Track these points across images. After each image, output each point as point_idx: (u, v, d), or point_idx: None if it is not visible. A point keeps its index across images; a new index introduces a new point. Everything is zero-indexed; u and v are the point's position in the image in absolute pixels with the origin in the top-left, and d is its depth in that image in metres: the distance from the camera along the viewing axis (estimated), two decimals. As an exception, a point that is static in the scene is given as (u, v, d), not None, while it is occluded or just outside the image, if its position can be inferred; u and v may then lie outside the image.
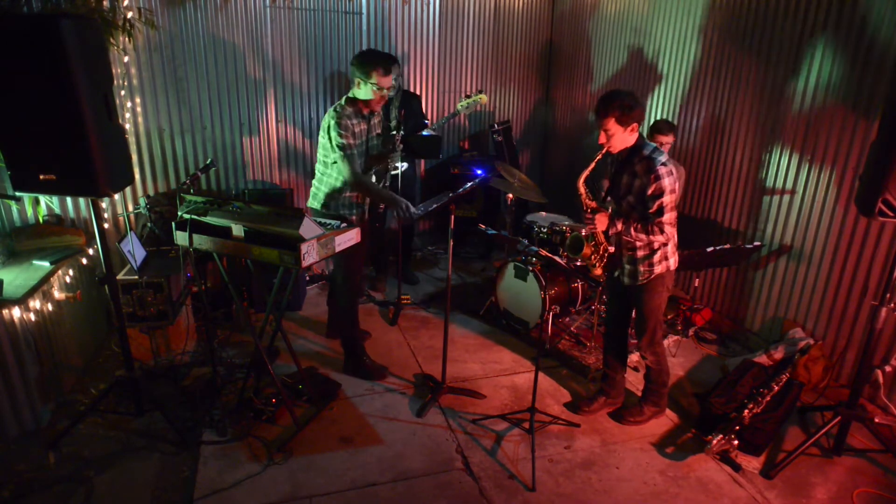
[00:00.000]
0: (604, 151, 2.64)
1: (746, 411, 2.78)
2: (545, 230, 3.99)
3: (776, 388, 3.00)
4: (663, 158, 2.55)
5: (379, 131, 3.26)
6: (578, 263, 3.04)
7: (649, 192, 2.54)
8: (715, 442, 2.69)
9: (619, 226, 2.61)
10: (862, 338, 3.04)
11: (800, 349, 3.33)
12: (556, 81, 5.85)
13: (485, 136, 5.74)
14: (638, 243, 2.68)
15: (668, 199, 2.53)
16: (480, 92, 4.50)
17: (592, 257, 2.85)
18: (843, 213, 3.16)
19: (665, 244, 2.68)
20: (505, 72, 5.70)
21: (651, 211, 2.56)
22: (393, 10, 4.96)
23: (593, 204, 2.66)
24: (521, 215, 4.62)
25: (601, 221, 2.62)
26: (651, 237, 2.59)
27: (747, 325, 3.85)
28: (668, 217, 2.56)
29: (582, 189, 2.67)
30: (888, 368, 2.98)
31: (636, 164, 2.58)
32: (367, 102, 3.01)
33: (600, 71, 5.13)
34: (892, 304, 2.57)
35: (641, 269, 2.72)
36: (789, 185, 3.46)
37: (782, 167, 3.49)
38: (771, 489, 2.57)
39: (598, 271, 2.90)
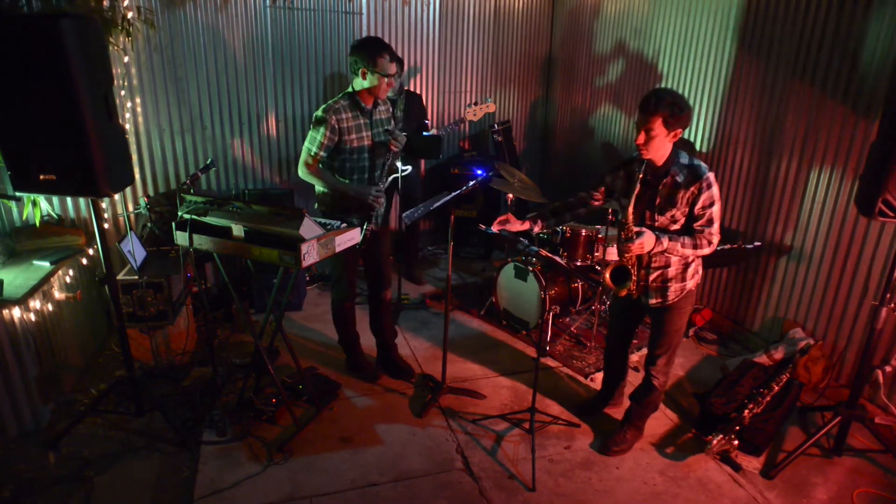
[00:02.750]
0: (643, 166, 2.34)
1: (746, 411, 2.78)
2: (545, 230, 3.98)
3: (776, 388, 3.00)
4: (706, 165, 2.36)
5: (391, 126, 3.09)
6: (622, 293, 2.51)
7: (700, 202, 2.32)
8: (715, 442, 2.69)
9: (666, 243, 2.34)
10: (862, 338, 3.04)
11: (800, 349, 3.33)
12: (555, 81, 5.85)
13: (485, 136, 5.74)
14: (674, 258, 2.46)
15: (717, 209, 2.34)
16: (489, 99, 4.49)
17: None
18: (843, 213, 3.16)
19: (698, 257, 2.49)
20: (505, 72, 5.69)
21: (700, 223, 2.35)
22: (393, 11, 4.96)
23: (636, 228, 2.35)
24: (521, 215, 4.61)
25: (648, 241, 2.31)
26: (698, 251, 2.37)
27: (747, 325, 3.84)
28: (716, 227, 2.36)
29: (632, 216, 2.37)
30: (888, 368, 2.98)
31: (676, 175, 2.35)
32: (370, 91, 2.90)
33: (600, 71, 5.12)
34: (892, 304, 2.57)
35: (673, 286, 2.51)
36: (789, 184, 3.46)
37: (782, 167, 3.49)
38: (771, 489, 2.57)
39: (624, 292, 2.53)
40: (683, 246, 2.36)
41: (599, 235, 3.79)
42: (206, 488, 2.48)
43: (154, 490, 2.48)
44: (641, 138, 2.30)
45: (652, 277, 2.52)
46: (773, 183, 3.56)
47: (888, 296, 2.55)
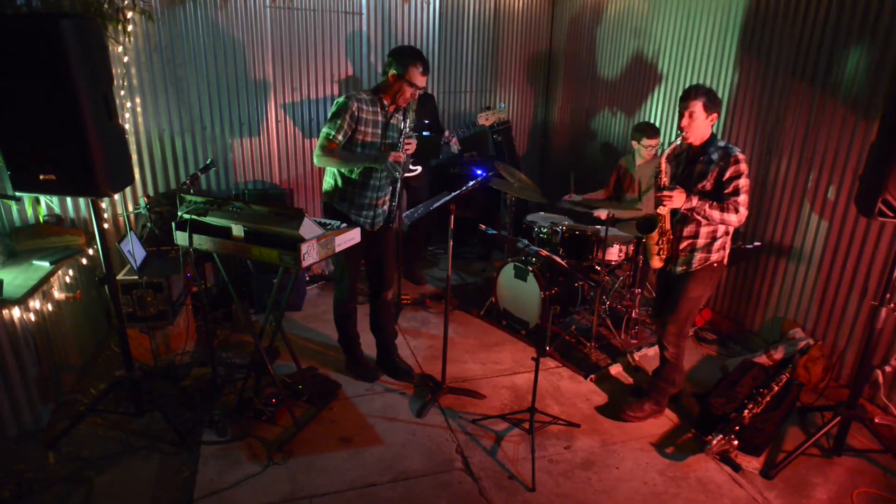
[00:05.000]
0: (682, 139, 2.68)
1: (746, 411, 2.78)
2: (545, 230, 3.99)
3: (776, 388, 3.00)
4: (740, 149, 2.64)
5: (407, 132, 3.08)
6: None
7: (727, 174, 2.60)
8: (715, 442, 2.69)
9: (695, 201, 2.61)
10: (862, 338, 3.04)
11: (800, 349, 3.33)
12: (556, 82, 5.85)
13: (485, 136, 5.74)
14: (703, 229, 2.71)
15: (744, 182, 2.59)
16: (501, 104, 4.54)
17: (660, 242, 2.80)
18: (843, 213, 3.16)
19: (727, 233, 2.75)
20: (505, 72, 5.69)
21: (728, 191, 2.61)
22: (393, 10, 4.96)
23: (668, 182, 2.71)
24: (521, 215, 4.62)
25: (678, 197, 2.60)
26: (724, 214, 2.59)
27: (747, 326, 3.85)
28: (744, 199, 2.60)
29: (664, 166, 2.70)
30: (888, 368, 2.98)
31: (712, 153, 2.66)
32: (393, 96, 2.92)
33: (600, 71, 5.13)
34: (892, 304, 2.57)
35: (699, 255, 2.76)
36: (789, 185, 3.46)
37: (782, 167, 3.49)
38: (771, 489, 2.58)
39: (659, 263, 2.86)
40: (711, 207, 2.61)
41: (600, 235, 3.79)
42: (205, 488, 2.48)
43: (154, 490, 2.48)
44: (685, 121, 2.64)
45: (682, 246, 2.78)
46: (773, 183, 3.56)
47: (888, 296, 2.56)
